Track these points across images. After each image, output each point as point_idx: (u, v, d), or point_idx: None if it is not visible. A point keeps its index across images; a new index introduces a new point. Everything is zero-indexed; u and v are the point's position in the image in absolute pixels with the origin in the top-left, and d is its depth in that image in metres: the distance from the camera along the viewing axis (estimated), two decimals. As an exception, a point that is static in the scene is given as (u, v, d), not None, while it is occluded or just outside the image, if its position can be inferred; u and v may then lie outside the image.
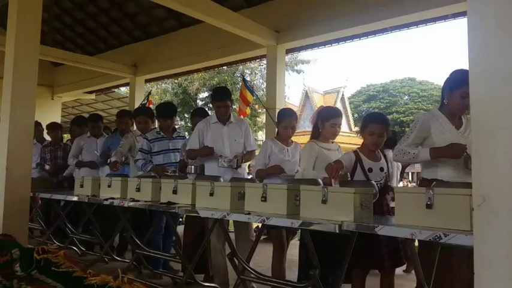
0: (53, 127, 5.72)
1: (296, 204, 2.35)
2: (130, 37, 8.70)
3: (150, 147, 3.91)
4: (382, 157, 2.74)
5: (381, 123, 2.67)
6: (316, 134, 3.06)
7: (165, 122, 3.96)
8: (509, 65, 1.36)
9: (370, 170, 2.64)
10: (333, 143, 3.11)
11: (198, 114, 4.03)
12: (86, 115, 6.24)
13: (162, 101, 18.80)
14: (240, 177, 3.26)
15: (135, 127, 4.66)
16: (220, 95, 3.53)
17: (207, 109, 8.01)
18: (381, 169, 2.68)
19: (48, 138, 6.12)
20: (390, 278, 2.53)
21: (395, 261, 2.50)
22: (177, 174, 3.75)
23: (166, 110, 4.05)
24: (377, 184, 2.58)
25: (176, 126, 4.16)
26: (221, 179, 3.03)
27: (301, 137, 10.41)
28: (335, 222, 2.02)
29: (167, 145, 3.95)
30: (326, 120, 2.98)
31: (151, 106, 8.39)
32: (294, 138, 3.46)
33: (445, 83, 2.46)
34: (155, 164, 3.86)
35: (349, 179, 2.66)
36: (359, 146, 2.79)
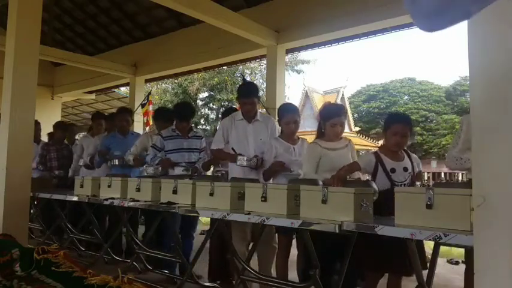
0: (64, 127, 5.68)
1: (296, 204, 2.35)
2: (131, 37, 8.70)
3: (164, 144, 3.84)
4: (406, 157, 2.62)
5: (404, 123, 2.58)
6: (320, 133, 2.93)
7: (181, 123, 3.86)
8: (509, 65, 1.36)
9: (393, 170, 2.52)
10: (341, 139, 2.94)
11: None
12: (87, 115, 6.22)
13: (162, 102, 18.82)
14: (241, 177, 3.18)
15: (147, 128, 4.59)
16: (246, 92, 3.38)
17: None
18: (405, 169, 2.56)
19: (44, 139, 6.10)
20: (399, 280, 2.47)
21: (408, 265, 2.35)
22: (189, 173, 3.64)
23: (183, 112, 3.92)
24: (402, 184, 2.49)
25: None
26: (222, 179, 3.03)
27: (301, 137, 10.36)
28: (335, 222, 2.02)
29: (181, 144, 3.84)
30: (326, 120, 2.86)
31: (151, 106, 8.43)
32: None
33: None
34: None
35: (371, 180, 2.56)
36: (379, 146, 2.72)
